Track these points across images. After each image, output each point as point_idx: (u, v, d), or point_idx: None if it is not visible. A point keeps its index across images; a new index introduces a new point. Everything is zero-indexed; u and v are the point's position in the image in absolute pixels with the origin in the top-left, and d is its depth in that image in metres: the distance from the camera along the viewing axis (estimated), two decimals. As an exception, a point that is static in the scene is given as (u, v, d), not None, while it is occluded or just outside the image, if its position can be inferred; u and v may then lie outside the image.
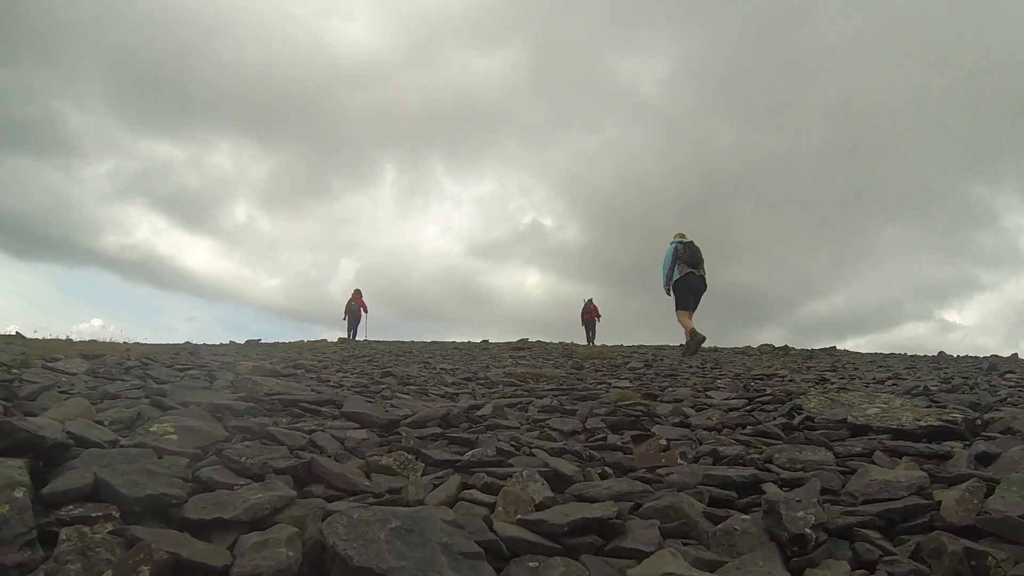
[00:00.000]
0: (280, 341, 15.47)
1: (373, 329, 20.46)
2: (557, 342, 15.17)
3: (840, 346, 12.74)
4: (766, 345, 12.72)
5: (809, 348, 12.41)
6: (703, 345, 9.16)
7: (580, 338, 20.88)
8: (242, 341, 14.17)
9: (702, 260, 9.23)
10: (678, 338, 9.86)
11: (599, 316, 21.54)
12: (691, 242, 9.33)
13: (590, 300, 21.81)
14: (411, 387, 4.40)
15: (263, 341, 15.05)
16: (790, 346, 12.17)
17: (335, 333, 20.67)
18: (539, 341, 15.34)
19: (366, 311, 20.19)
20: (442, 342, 16.41)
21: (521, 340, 15.28)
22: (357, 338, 18.99)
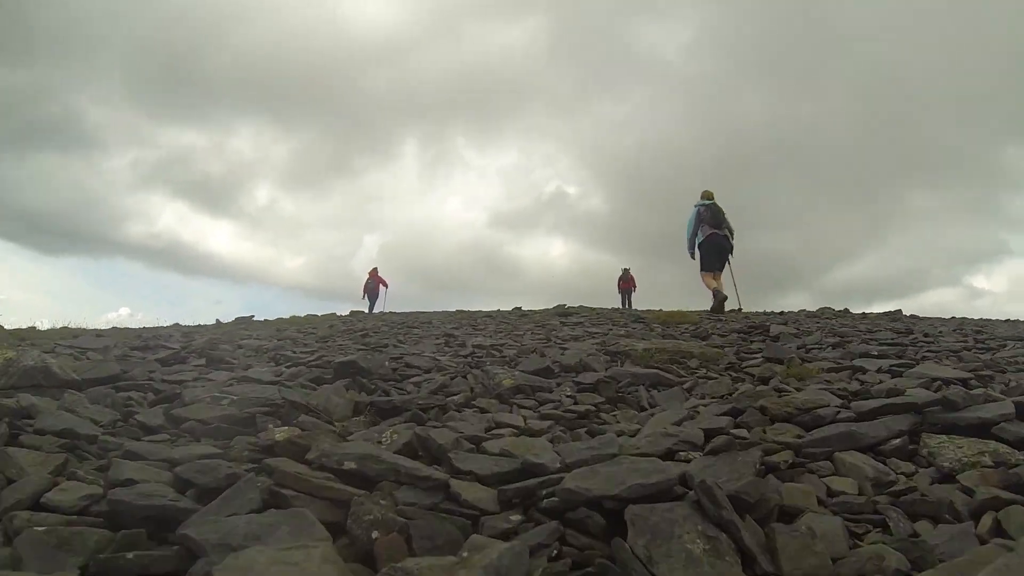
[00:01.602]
0: (282, 316, 13.73)
1: (395, 303, 20.02)
2: (597, 307, 13.29)
3: (867, 310, 10.66)
4: (827, 308, 10.87)
5: (865, 312, 10.33)
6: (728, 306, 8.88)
7: (616, 304, 19.80)
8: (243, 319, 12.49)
9: (725, 220, 9.12)
10: (706, 303, 9.35)
11: (635, 287, 21.17)
12: (713, 203, 9.17)
13: (627, 270, 21.36)
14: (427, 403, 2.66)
15: (256, 318, 13.34)
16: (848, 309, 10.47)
17: (360, 307, 19.68)
18: (581, 306, 13.41)
19: (386, 286, 20.04)
20: (469, 311, 14.49)
21: (558, 306, 13.30)
22: (376, 311, 18.33)
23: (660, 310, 9.14)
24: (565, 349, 4.10)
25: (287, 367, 3.37)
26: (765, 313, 9.98)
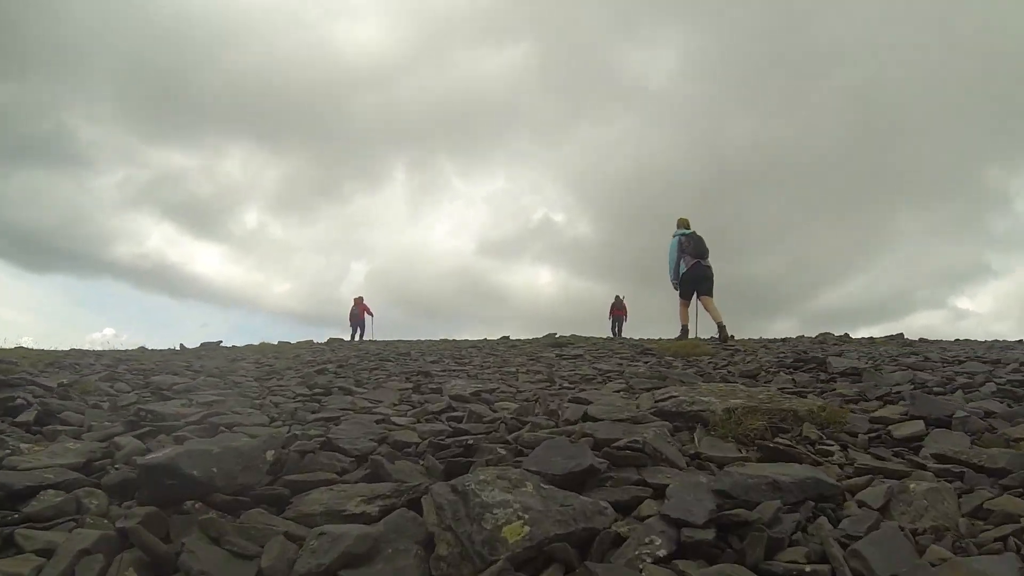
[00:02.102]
0: (253, 344, 12.67)
1: (382, 330, 20.24)
2: (589, 336, 12.41)
3: (853, 334, 9.99)
4: (827, 334, 10.08)
5: (872, 336, 9.57)
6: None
7: (606, 332, 19.66)
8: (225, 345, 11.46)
9: (707, 249, 9.02)
10: (704, 331, 9.32)
11: (627, 315, 20.96)
12: (693, 232, 9.13)
13: (620, 297, 21.12)
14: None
15: (223, 344, 12.28)
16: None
17: (344, 334, 19.53)
18: (574, 335, 12.53)
19: (371, 315, 20.13)
20: (454, 340, 13.52)
21: (549, 335, 12.39)
22: (363, 338, 18.80)
23: (660, 340, 8.24)
24: (584, 401, 2.82)
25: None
26: (762, 340, 9.17)
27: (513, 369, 5.20)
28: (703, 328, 9.19)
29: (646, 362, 5.31)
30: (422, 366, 5.46)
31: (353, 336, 19.40)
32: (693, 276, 8.94)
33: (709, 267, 8.99)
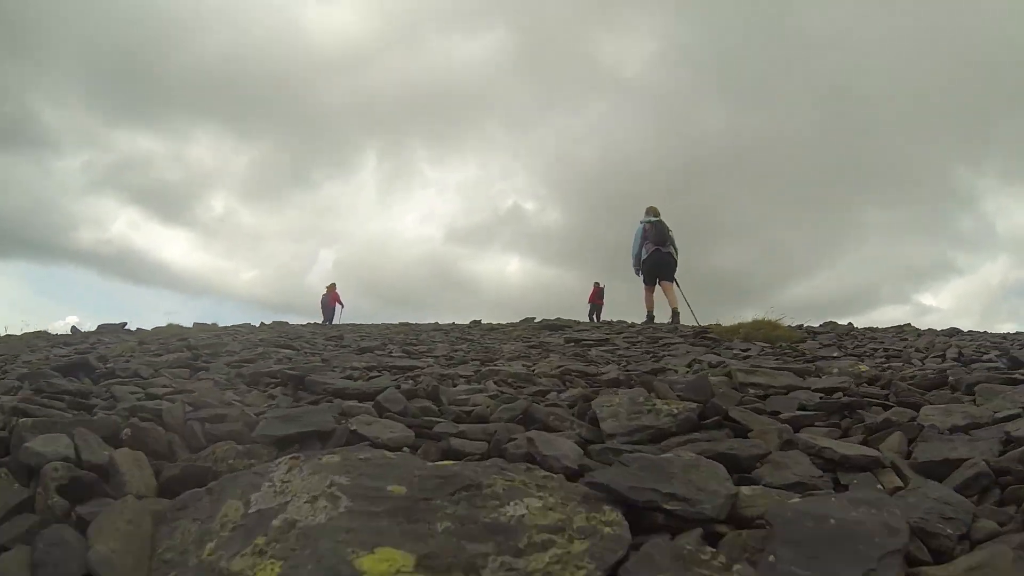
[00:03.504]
0: (159, 326, 10.33)
1: (351, 317, 20.07)
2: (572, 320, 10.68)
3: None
4: (833, 322, 8.93)
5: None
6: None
7: (583, 318, 18.12)
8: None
9: (669, 237, 9.19)
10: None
11: (603, 302, 20.85)
12: (659, 220, 9.29)
13: (599, 285, 21.04)
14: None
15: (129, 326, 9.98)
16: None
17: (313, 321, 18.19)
18: (559, 318, 10.68)
19: (341, 304, 20.61)
20: (418, 324, 11.51)
21: (528, 319, 10.55)
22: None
23: (717, 324, 6.29)
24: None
25: None
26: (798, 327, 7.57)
27: (516, 364, 3.32)
28: (670, 315, 8.98)
29: (716, 351, 3.56)
30: (330, 358, 3.55)
31: (325, 323, 19.06)
32: (654, 262, 9.15)
33: (670, 253, 9.19)
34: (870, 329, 6.61)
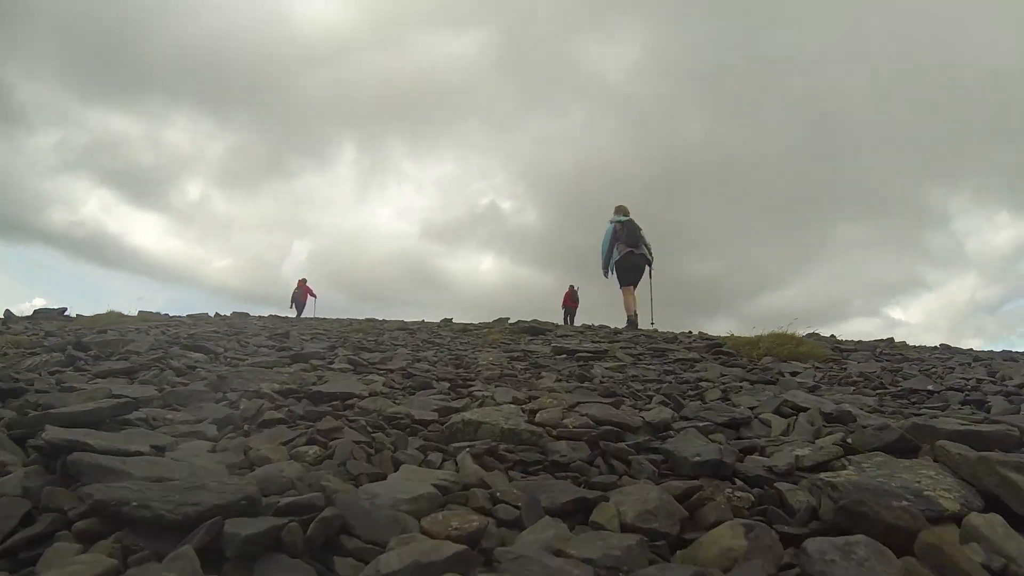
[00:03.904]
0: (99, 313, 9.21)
1: (322, 311, 20.60)
2: (557, 323, 9.88)
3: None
4: (814, 334, 8.47)
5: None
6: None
7: (559, 321, 17.69)
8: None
9: (641, 238, 8.92)
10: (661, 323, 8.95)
11: (577, 305, 20.52)
12: (630, 220, 9.00)
13: (573, 286, 20.68)
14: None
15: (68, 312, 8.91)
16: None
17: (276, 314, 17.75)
18: (536, 321, 9.86)
19: (314, 297, 20.82)
20: (385, 321, 10.58)
21: (501, 319, 9.74)
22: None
23: (733, 335, 5.58)
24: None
25: None
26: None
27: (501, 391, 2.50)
28: (666, 321, 8.57)
29: (729, 370, 2.78)
30: (239, 372, 2.69)
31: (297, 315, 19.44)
32: (628, 264, 8.80)
33: (643, 255, 8.89)
34: (901, 346, 6.00)
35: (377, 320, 10.41)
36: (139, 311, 9.77)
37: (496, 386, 2.56)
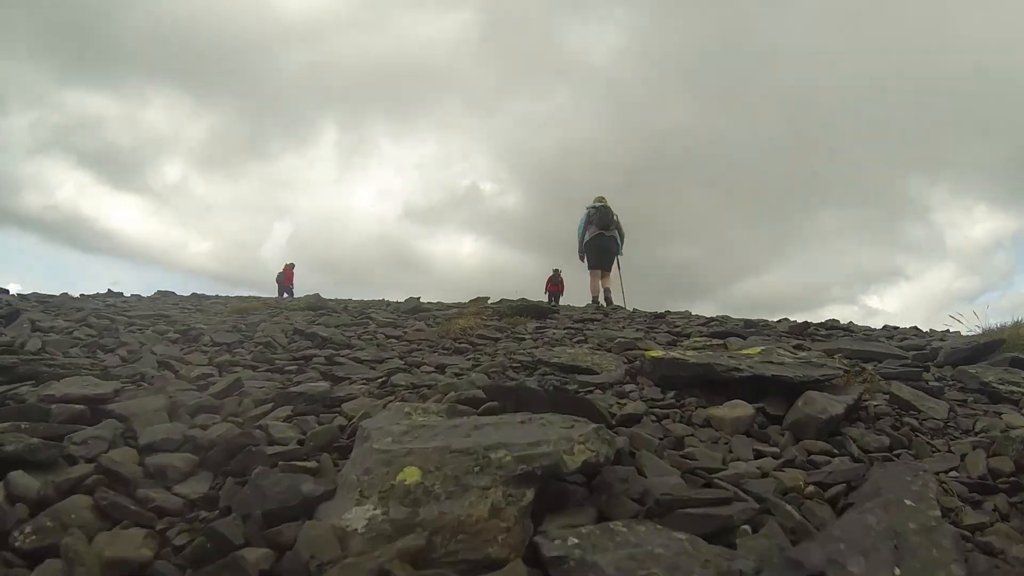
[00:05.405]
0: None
1: (300, 293, 20.04)
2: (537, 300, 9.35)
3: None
4: (807, 322, 8.20)
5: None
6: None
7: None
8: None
9: (613, 221, 9.05)
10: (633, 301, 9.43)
11: (563, 290, 20.32)
12: (604, 205, 9.15)
13: (558, 271, 20.50)
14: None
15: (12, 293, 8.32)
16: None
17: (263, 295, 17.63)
18: (524, 298, 9.24)
19: (291, 284, 21.10)
20: (348, 299, 10.03)
21: (480, 299, 9.23)
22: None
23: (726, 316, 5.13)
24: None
25: None
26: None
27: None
28: (634, 300, 8.83)
29: None
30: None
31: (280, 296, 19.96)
32: (596, 245, 8.95)
33: (613, 238, 9.02)
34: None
35: (348, 301, 9.83)
36: (80, 293, 9.15)
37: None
